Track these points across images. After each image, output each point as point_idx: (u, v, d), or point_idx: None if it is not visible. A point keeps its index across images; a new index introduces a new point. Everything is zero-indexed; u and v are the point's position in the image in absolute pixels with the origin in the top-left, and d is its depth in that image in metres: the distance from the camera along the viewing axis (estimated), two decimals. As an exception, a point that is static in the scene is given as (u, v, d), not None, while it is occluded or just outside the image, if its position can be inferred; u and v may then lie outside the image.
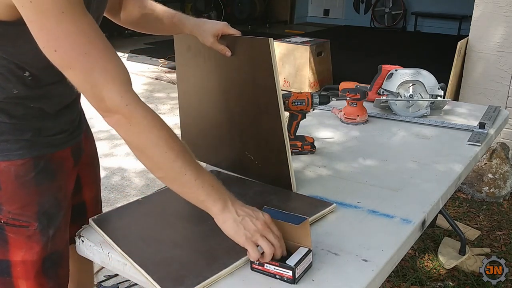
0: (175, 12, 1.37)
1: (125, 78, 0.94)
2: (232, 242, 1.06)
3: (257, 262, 1.00)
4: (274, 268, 0.99)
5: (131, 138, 0.97)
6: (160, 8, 1.37)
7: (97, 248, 1.13)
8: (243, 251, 1.03)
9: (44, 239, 1.08)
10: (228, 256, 1.03)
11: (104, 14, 1.35)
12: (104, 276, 2.29)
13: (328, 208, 1.24)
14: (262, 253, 0.98)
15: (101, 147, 3.76)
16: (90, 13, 0.95)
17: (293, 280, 0.97)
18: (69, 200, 1.18)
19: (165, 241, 1.11)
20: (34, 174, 1.05)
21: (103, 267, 2.21)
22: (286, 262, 0.97)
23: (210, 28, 1.32)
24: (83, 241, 1.16)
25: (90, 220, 1.21)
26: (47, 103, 1.07)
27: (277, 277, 0.99)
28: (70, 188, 1.18)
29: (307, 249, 1.01)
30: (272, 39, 1.20)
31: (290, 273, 0.97)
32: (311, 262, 1.02)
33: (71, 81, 0.92)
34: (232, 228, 0.99)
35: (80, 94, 1.17)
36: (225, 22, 1.33)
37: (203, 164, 1.57)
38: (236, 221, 0.99)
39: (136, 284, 1.04)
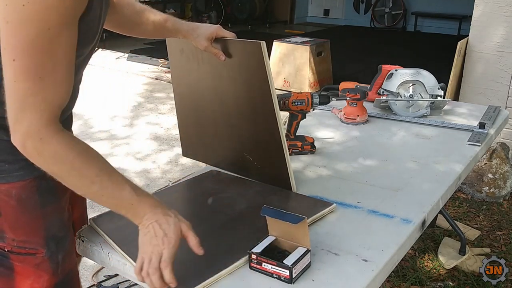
0: (168, 16, 1.34)
1: (57, 109, 0.90)
2: (231, 242, 1.07)
3: (255, 261, 1.00)
4: (272, 267, 0.99)
5: (41, 165, 0.91)
6: (150, 11, 1.33)
7: (97, 248, 1.13)
8: (242, 252, 1.03)
9: (54, 265, 1.04)
10: (228, 256, 1.03)
11: None
12: (104, 276, 2.29)
13: (328, 208, 1.24)
14: None
15: (101, 147, 3.76)
16: (100, 22, 0.93)
17: (290, 280, 0.97)
18: (72, 220, 1.15)
19: None
20: (38, 196, 1.00)
21: (103, 267, 2.21)
22: (284, 261, 0.97)
23: (204, 32, 1.30)
24: (83, 241, 1.16)
25: (90, 219, 1.21)
26: None
27: (275, 276, 0.99)
28: (69, 208, 1.14)
29: (306, 249, 1.01)
30: (264, 42, 1.19)
31: (287, 272, 0.97)
32: (310, 262, 1.02)
33: (4, 85, 0.87)
34: (140, 242, 0.95)
35: (72, 108, 1.13)
36: (218, 25, 1.31)
37: (203, 165, 1.56)
38: (148, 238, 0.94)
39: (136, 284, 1.04)
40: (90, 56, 1.05)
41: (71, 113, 1.16)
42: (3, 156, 0.96)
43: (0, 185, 0.97)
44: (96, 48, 1.14)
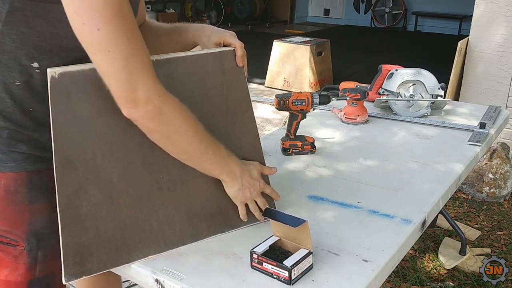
0: (177, 24, 1.29)
1: (151, 65, 0.93)
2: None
3: (256, 260, 1.00)
4: (272, 268, 0.98)
5: (160, 127, 0.96)
6: (161, 23, 1.31)
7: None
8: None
9: (31, 261, 1.02)
10: None
11: None
12: (104, 276, 2.29)
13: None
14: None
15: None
16: None
17: (289, 281, 0.96)
18: None
19: None
20: (27, 190, 0.99)
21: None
22: (283, 262, 0.97)
23: (212, 32, 1.21)
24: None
25: None
26: (47, 107, 0.96)
27: (275, 276, 0.98)
28: None
29: (307, 251, 1.00)
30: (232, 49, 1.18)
31: (286, 273, 0.96)
32: (312, 264, 1.01)
33: (98, 66, 0.88)
34: (234, 193, 1.11)
35: None
36: (232, 32, 1.21)
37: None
38: (240, 190, 1.11)
39: (135, 284, 1.03)
40: None
41: None
42: None
43: None
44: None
